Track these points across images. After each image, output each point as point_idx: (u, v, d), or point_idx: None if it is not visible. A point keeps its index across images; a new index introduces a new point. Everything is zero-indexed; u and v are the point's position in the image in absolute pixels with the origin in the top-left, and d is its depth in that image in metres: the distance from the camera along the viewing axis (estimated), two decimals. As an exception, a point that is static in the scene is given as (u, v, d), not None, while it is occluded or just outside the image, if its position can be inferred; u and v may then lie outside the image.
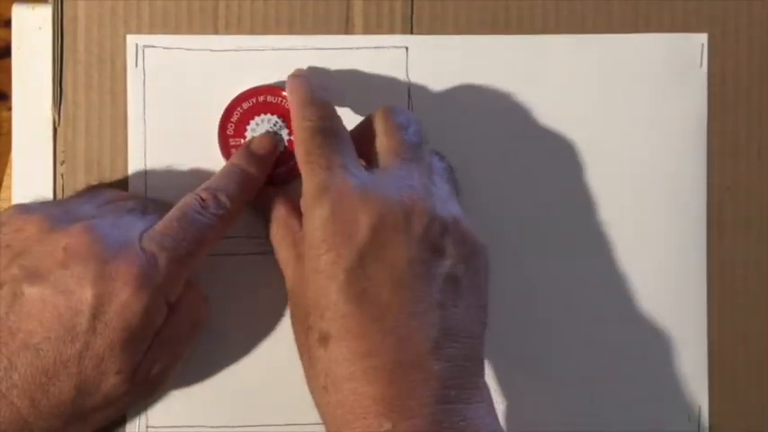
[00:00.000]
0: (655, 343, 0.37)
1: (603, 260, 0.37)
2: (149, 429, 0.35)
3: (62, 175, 0.36)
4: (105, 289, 0.29)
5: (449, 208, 0.31)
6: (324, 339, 0.29)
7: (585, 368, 0.36)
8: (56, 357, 0.29)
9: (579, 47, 0.37)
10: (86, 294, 0.29)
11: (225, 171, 0.34)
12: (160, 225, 0.31)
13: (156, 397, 0.35)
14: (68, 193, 0.35)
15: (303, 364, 0.31)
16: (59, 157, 0.36)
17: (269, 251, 0.35)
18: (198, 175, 0.36)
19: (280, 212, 0.33)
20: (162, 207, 0.33)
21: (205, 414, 0.35)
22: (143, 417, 0.35)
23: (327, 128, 0.32)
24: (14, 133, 0.36)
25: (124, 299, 0.29)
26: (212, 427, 0.36)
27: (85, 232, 0.30)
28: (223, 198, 0.32)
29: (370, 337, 0.28)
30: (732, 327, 0.37)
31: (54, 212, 0.31)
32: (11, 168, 0.36)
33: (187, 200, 0.32)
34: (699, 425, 0.37)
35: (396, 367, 0.28)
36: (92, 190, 0.35)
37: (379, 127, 0.33)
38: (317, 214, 0.30)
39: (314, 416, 0.36)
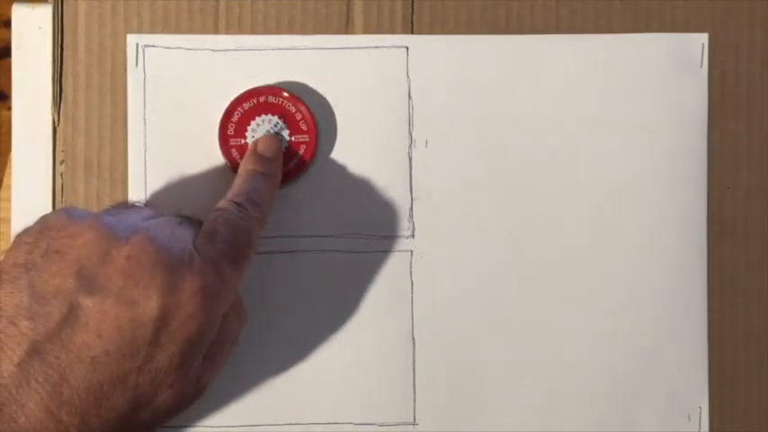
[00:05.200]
0: (655, 343, 0.37)
1: (603, 260, 0.37)
2: (149, 429, 0.35)
3: (62, 175, 0.36)
4: (172, 300, 0.28)
5: None
6: None
7: (585, 368, 0.36)
8: (113, 372, 0.27)
9: (579, 47, 0.37)
10: (152, 305, 0.27)
11: (246, 177, 0.33)
12: (209, 234, 0.30)
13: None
14: (68, 192, 0.35)
15: None
16: (59, 157, 0.36)
17: (268, 251, 0.35)
18: (198, 175, 0.36)
19: None
20: (191, 221, 0.32)
21: (205, 414, 0.35)
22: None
23: None
24: (14, 133, 0.36)
25: (190, 310, 0.28)
26: (212, 426, 0.35)
27: (148, 241, 0.28)
28: (258, 200, 0.32)
29: None
30: (732, 327, 0.37)
31: (107, 220, 0.29)
32: (11, 168, 0.36)
33: (224, 207, 0.32)
34: (699, 425, 0.37)
35: None
36: (124, 205, 0.34)
37: None
38: None
39: (314, 416, 0.36)
